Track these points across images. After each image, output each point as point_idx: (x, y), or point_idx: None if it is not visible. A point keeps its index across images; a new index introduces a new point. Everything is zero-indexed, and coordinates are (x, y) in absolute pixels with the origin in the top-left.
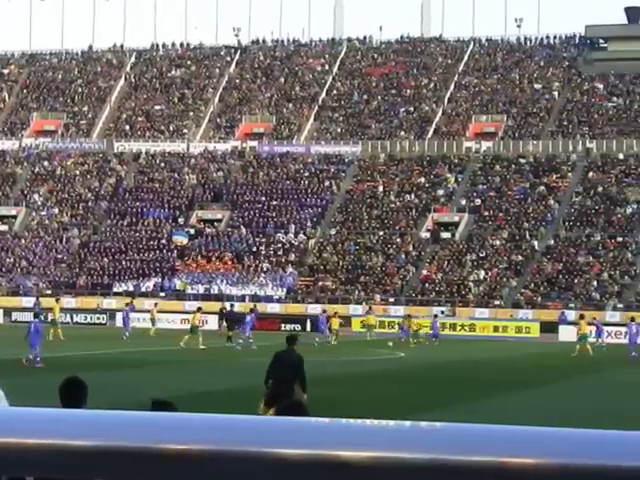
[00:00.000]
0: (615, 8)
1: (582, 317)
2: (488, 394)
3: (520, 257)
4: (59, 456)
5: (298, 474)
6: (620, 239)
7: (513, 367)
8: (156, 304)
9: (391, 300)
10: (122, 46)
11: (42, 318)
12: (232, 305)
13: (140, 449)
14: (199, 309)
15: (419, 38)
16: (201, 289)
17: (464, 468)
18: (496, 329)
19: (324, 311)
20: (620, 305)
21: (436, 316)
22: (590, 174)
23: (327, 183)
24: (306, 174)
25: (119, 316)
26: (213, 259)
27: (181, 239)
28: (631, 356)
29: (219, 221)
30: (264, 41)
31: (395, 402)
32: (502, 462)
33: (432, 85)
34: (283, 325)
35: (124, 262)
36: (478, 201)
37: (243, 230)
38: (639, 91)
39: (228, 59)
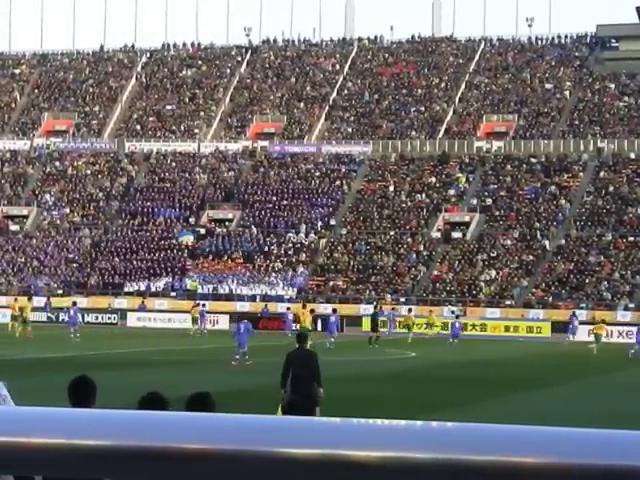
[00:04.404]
0: (626, 7)
1: None
2: (500, 394)
3: (531, 257)
4: (67, 455)
5: (308, 474)
6: (631, 239)
7: (525, 367)
8: (197, 304)
9: (402, 300)
10: (133, 46)
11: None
12: (376, 307)
13: (148, 449)
14: (312, 311)
15: (430, 38)
16: (212, 289)
17: (476, 468)
18: (507, 329)
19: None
20: (631, 305)
21: (393, 308)
22: (601, 174)
23: (338, 183)
24: (317, 174)
25: (132, 316)
26: (224, 259)
27: (187, 238)
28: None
29: (230, 221)
30: (275, 41)
31: (407, 402)
32: (514, 462)
33: (443, 85)
34: (294, 325)
35: (135, 262)
36: (489, 201)
37: (254, 230)
38: None
39: (239, 59)
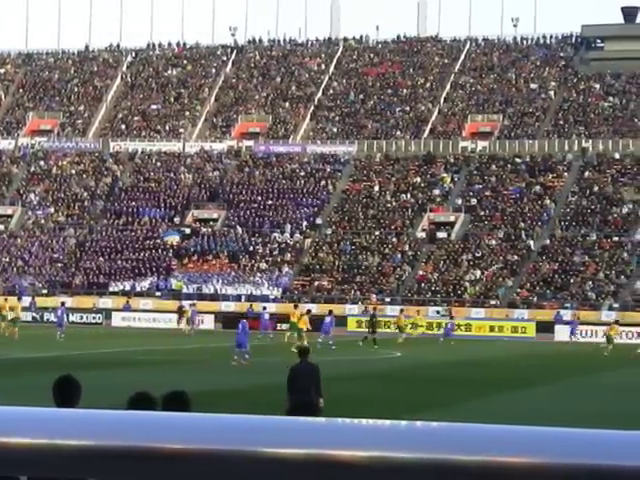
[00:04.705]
0: (612, 7)
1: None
2: (485, 394)
3: (516, 257)
4: (50, 456)
5: (294, 474)
6: (616, 239)
7: (510, 367)
8: (192, 304)
9: (387, 300)
10: (118, 45)
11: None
12: (374, 309)
13: (132, 449)
14: (309, 312)
15: (415, 37)
16: (197, 289)
17: (461, 468)
18: (492, 329)
19: (308, 311)
20: (616, 305)
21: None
22: (586, 174)
23: (323, 183)
24: (302, 174)
25: (117, 316)
26: (209, 258)
27: (173, 238)
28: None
29: (215, 220)
30: (260, 40)
31: (393, 402)
32: (500, 462)
33: (428, 85)
34: (279, 325)
35: (120, 262)
36: (474, 201)
37: (239, 229)
38: (635, 91)
39: (224, 58)
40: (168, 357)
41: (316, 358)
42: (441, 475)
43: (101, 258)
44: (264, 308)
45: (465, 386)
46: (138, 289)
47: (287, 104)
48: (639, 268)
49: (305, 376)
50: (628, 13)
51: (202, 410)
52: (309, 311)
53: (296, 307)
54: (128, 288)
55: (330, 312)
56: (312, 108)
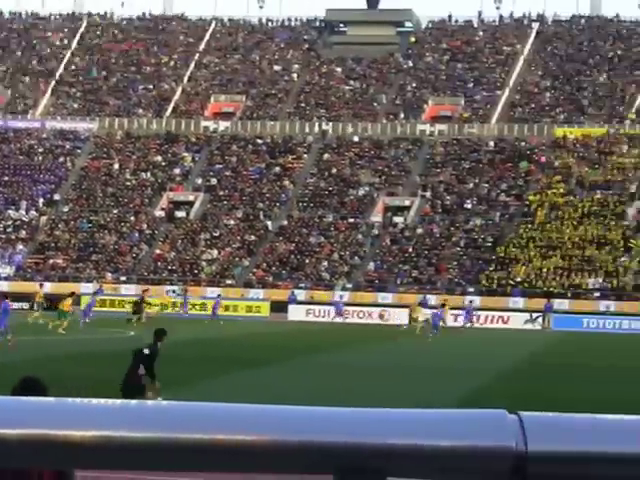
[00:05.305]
0: None
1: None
2: (226, 372)
3: (253, 237)
4: None
5: (19, 454)
6: (351, 220)
7: (244, 346)
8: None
9: (122, 279)
10: None
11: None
12: (144, 292)
13: None
14: (73, 293)
15: (161, 15)
16: None
17: (195, 446)
18: (227, 308)
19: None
20: (349, 285)
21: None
22: (325, 156)
23: (62, 159)
24: (40, 150)
25: None
26: None
27: None
28: None
29: None
30: (1, 13)
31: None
32: (232, 440)
33: (172, 63)
34: (11, 304)
35: None
36: (214, 180)
37: None
38: (375, 75)
39: None
40: None
41: (56, 338)
42: (172, 453)
43: None
44: None
45: (199, 365)
46: None
47: (27, 79)
48: (372, 250)
49: (137, 358)
50: None
51: None
52: (73, 293)
53: (41, 286)
54: None
55: (95, 293)
56: (53, 83)
